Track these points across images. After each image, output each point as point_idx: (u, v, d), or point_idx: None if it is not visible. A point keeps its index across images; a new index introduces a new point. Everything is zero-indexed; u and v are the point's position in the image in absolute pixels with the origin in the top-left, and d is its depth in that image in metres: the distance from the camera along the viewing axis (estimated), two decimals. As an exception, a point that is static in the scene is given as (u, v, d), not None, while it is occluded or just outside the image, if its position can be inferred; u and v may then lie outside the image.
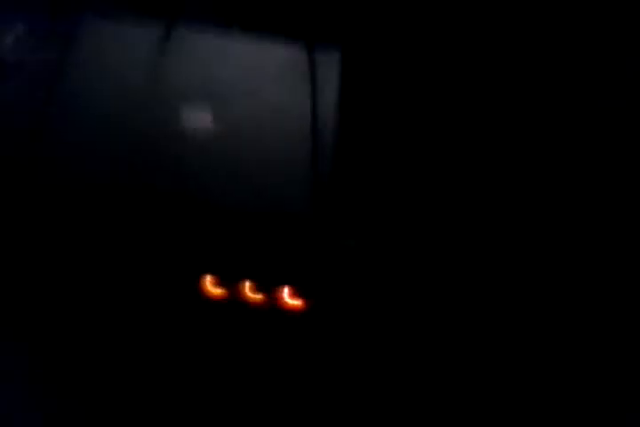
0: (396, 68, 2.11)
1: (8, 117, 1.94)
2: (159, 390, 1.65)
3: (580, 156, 2.11)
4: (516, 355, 1.85)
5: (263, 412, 1.65)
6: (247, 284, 1.62)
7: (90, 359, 1.66)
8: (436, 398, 1.75)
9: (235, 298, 1.64)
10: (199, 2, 1.94)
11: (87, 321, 1.67)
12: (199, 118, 1.72)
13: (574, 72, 2.15)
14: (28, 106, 1.95)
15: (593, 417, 1.80)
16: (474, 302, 1.86)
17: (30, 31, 2.05)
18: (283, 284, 1.62)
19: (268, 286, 1.62)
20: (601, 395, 1.83)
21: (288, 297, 1.64)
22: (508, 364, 1.83)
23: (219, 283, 1.63)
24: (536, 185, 2.06)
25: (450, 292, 1.85)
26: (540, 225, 2.01)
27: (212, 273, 1.61)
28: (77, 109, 1.70)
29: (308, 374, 1.70)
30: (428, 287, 1.84)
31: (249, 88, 1.79)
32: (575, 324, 1.91)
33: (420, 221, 1.92)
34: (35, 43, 2.05)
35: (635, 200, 2.07)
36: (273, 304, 1.63)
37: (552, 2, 2.13)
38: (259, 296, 1.63)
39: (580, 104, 2.13)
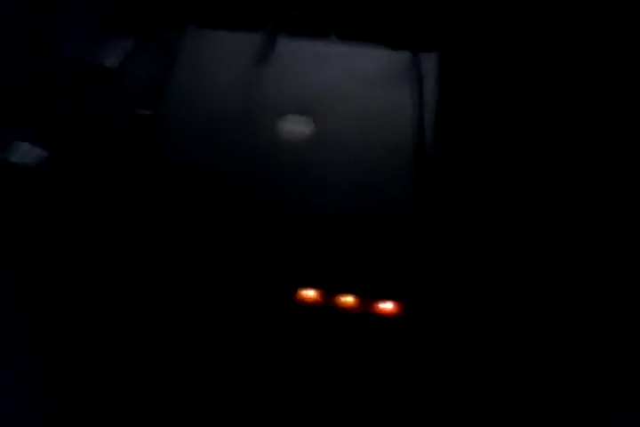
0: (491, 75, 2.13)
1: (111, 122, 2.02)
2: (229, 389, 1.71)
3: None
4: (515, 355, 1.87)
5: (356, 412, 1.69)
6: (345, 293, 1.66)
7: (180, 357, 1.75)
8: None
9: (329, 304, 1.67)
10: (297, 11, 1.99)
11: (185, 323, 1.75)
12: (301, 126, 1.77)
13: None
14: (127, 112, 2.02)
15: (580, 417, 1.81)
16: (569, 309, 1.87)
17: (137, 44, 2.14)
18: (380, 293, 1.64)
19: (364, 294, 1.65)
20: (588, 395, 1.84)
21: (383, 304, 1.66)
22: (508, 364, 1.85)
23: (316, 291, 1.66)
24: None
25: (540, 299, 1.86)
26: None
27: (310, 281, 1.66)
28: (181, 117, 1.80)
29: (395, 378, 1.73)
30: (520, 294, 1.85)
31: (348, 94, 1.84)
32: (566, 327, 1.92)
33: (519, 230, 1.94)
34: (141, 53, 2.14)
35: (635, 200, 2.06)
36: (367, 310, 1.66)
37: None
38: (354, 302, 1.66)
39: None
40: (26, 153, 1.94)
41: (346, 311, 1.65)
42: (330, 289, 1.64)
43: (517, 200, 2.01)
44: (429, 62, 1.88)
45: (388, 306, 1.63)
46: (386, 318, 1.64)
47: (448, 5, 2.16)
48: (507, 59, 2.15)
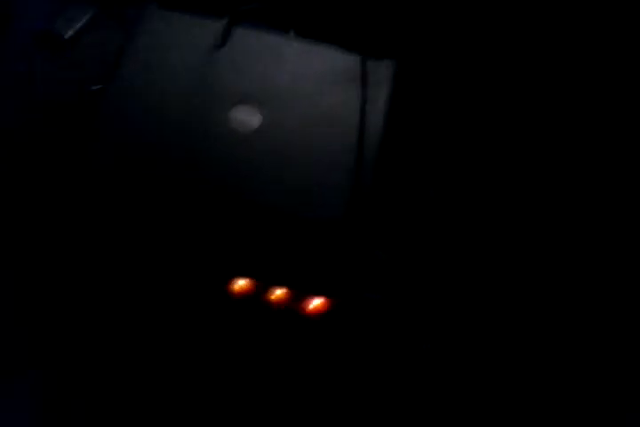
0: (446, 83, 2.14)
1: (57, 91, 2.01)
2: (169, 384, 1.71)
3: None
4: (516, 355, 1.88)
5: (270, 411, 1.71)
6: (278, 287, 1.66)
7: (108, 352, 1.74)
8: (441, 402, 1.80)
9: (258, 297, 1.67)
10: (253, 4, 1.99)
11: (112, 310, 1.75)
12: (248, 118, 1.79)
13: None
14: (78, 84, 2.01)
15: (593, 417, 1.82)
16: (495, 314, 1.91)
17: (94, 16, 2.12)
18: (307, 289, 1.65)
19: (293, 289, 1.65)
20: (601, 394, 1.84)
21: (310, 302, 1.66)
22: (509, 364, 1.87)
23: (248, 281, 1.66)
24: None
25: (475, 304, 1.91)
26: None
27: (241, 272, 1.65)
28: (128, 96, 1.79)
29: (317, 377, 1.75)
30: (452, 300, 1.90)
31: (299, 91, 1.83)
32: (575, 324, 1.92)
33: (455, 238, 1.97)
34: (98, 26, 2.12)
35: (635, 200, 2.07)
36: (294, 307, 1.67)
37: None
38: (282, 298, 1.66)
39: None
40: None
41: (276, 304, 1.65)
42: (262, 280, 1.67)
43: (459, 207, 2.03)
44: (386, 69, 1.87)
45: (316, 302, 1.64)
46: (314, 314, 1.64)
47: (416, 13, 2.18)
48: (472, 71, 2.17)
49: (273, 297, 1.65)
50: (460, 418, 1.80)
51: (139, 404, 1.69)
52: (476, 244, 1.97)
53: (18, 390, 1.68)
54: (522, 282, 1.95)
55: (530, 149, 2.11)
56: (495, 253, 1.96)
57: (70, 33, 2.10)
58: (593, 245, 2.02)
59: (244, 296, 1.66)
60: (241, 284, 1.65)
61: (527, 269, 1.97)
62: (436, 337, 1.81)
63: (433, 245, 1.93)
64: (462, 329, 1.87)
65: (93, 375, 1.72)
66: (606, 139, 2.13)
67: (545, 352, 1.89)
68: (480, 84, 2.14)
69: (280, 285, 1.65)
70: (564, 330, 1.92)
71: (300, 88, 1.84)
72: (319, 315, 1.65)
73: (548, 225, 2.02)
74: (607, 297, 1.96)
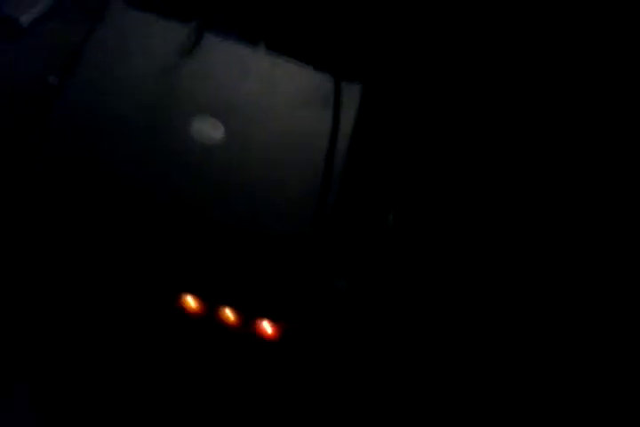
0: (412, 108, 2.14)
1: (11, 80, 1.95)
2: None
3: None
4: (517, 355, 1.89)
5: None
6: (226, 307, 1.61)
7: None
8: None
9: (212, 318, 1.62)
10: (228, 12, 1.96)
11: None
12: (211, 130, 1.75)
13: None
14: (34, 74, 1.95)
15: (593, 416, 1.82)
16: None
17: (54, 5, 2.06)
18: (262, 313, 1.60)
19: (247, 312, 1.61)
20: (601, 394, 1.84)
21: (265, 326, 1.62)
22: (509, 364, 1.87)
23: (198, 300, 1.61)
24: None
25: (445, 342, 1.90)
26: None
27: (193, 289, 1.60)
28: (86, 100, 1.71)
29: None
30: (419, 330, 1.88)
31: (266, 106, 1.79)
32: (575, 323, 1.93)
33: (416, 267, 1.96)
34: (59, 15, 2.06)
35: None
36: (247, 328, 1.63)
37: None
38: (234, 318, 1.62)
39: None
40: None
41: (226, 326, 1.61)
42: (210, 299, 1.64)
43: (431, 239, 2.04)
44: (354, 91, 1.86)
45: (267, 326, 1.60)
46: (264, 338, 1.61)
47: (388, 37, 2.17)
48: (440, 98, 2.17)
49: (222, 317, 1.63)
50: (459, 418, 1.80)
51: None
52: (439, 273, 1.97)
53: (18, 390, 1.65)
54: (490, 311, 1.95)
55: (493, 173, 2.12)
56: (462, 284, 1.97)
57: (27, 19, 2.03)
58: (583, 253, 2.03)
59: (195, 315, 1.63)
60: (190, 301, 1.62)
61: (494, 297, 1.97)
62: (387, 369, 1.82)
63: (394, 274, 1.92)
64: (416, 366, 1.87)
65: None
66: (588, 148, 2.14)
67: (544, 351, 1.89)
68: (444, 112, 2.15)
69: (228, 304, 1.62)
70: (564, 329, 1.93)
71: (267, 103, 1.80)
72: (273, 338, 1.63)
73: (514, 251, 2.04)
74: (607, 297, 1.96)
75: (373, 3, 2.17)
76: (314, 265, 1.63)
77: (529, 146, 2.14)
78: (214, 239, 1.62)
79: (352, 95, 1.86)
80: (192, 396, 1.69)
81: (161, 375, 1.70)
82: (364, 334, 1.83)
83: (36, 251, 1.60)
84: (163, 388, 1.68)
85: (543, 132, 2.15)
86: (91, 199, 1.60)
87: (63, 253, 1.59)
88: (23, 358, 1.67)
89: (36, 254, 1.61)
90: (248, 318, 1.61)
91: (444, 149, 2.12)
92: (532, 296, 1.98)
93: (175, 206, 1.62)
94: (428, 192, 2.06)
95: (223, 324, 1.62)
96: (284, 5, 2.15)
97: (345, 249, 1.90)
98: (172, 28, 1.84)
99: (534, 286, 1.99)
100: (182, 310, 1.62)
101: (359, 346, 1.81)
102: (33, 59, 2.01)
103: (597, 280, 2.00)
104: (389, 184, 2.05)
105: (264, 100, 1.80)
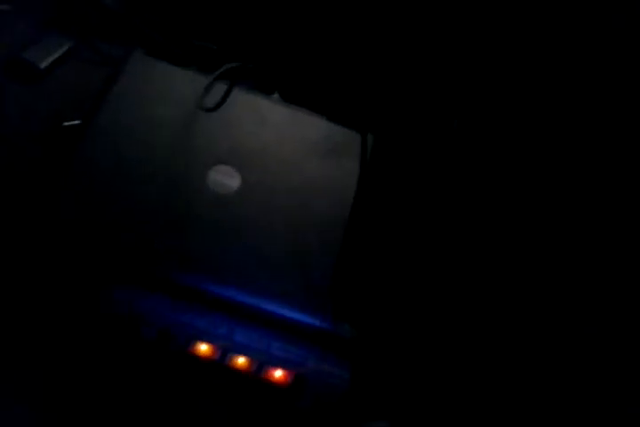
0: (422, 161, 2.17)
1: (27, 123, 1.97)
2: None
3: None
4: (517, 354, 1.90)
5: None
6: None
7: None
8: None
9: (222, 362, 1.64)
10: (244, 63, 1.99)
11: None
12: (227, 179, 1.79)
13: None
14: (50, 117, 1.98)
15: (594, 411, 1.82)
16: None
17: (72, 49, 2.10)
18: (266, 360, 1.63)
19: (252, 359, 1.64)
20: (602, 389, 1.84)
21: (272, 373, 1.64)
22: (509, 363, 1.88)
23: (209, 346, 1.63)
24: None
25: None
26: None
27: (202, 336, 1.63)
28: (103, 147, 1.75)
29: None
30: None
31: (282, 157, 1.83)
32: (574, 321, 1.94)
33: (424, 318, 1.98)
34: (74, 59, 2.10)
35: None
36: (258, 375, 1.64)
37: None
38: (246, 364, 1.64)
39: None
40: None
41: (237, 372, 1.63)
42: (221, 346, 1.66)
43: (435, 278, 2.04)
44: (365, 142, 1.90)
45: (278, 374, 1.62)
46: (275, 385, 1.62)
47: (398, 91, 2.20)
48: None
49: (235, 364, 1.65)
50: (461, 418, 1.81)
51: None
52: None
53: (18, 389, 1.65)
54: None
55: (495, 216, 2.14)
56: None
57: (45, 63, 2.07)
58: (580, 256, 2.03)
59: (208, 360, 1.65)
60: (203, 348, 1.64)
61: (495, 299, 1.98)
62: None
63: (402, 321, 1.93)
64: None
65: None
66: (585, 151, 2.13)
67: (543, 351, 1.91)
68: (452, 166, 2.18)
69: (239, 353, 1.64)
70: (563, 329, 1.94)
71: (282, 153, 1.85)
72: (284, 385, 1.65)
73: (515, 255, 2.05)
74: (607, 297, 1.97)
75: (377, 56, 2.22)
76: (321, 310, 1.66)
77: (528, 156, 2.15)
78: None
79: (365, 146, 1.91)
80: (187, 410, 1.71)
81: (163, 407, 1.71)
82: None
83: (52, 300, 1.61)
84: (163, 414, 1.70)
85: (544, 133, 2.16)
86: (112, 251, 1.62)
87: (81, 303, 1.60)
88: (23, 360, 1.66)
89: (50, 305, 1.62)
90: (260, 365, 1.64)
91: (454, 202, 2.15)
92: (534, 302, 1.99)
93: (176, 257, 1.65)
94: (437, 243, 2.09)
95: (234, 369, 1.64)
96: (298, 57, 2.20)
97: (354, 295, 1.92)
98: (191, 78, 1.89)
99: (536, 291, 2.00)
100: (195, 355, 1.64)
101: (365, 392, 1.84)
102: (49, 102, 2.04)
103: (597, 280, 2.00)
104: (398, 233, 2.08)
105: (279, 150, 1.84)
